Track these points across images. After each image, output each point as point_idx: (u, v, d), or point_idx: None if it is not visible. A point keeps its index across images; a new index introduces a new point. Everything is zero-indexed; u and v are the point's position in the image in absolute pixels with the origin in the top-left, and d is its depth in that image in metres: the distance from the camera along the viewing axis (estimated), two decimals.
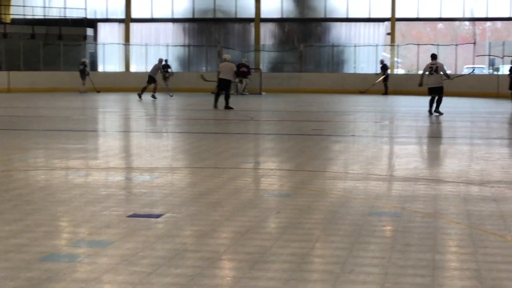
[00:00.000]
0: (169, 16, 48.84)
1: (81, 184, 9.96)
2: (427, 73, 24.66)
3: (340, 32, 47.51)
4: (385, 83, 39.98)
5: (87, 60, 41.36)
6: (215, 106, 26.00)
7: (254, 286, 5.23)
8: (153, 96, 34.06)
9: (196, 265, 5.77)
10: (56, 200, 8.55)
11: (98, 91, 39.77)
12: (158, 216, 7.60)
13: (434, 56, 25.25)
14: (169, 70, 40.17)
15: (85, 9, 49.25)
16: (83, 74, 39.71)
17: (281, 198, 8.89)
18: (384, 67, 40.45)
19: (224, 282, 5.42)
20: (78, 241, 6.58)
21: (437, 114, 23.97)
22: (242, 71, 39.69)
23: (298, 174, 10.93)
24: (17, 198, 8.59)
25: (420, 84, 24.87)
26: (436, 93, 24.30)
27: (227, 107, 25.77)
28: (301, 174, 10.93)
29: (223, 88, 26.12)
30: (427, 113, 24.13)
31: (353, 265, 5.79)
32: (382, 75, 40.17)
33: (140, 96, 33.05)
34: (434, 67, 24.46)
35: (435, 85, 24.35)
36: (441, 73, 24.50)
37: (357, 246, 6.41)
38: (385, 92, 39.61)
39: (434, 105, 24.29)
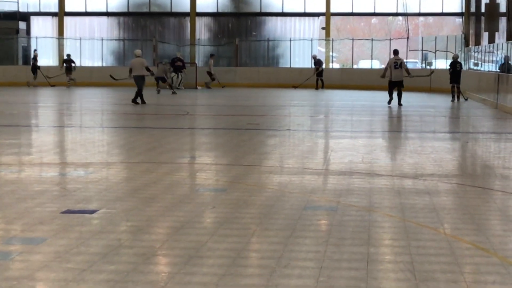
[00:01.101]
0: (103, 9, 48.37)
1: (13, 180, 9.81)
2: (389, 67, 26.21)
3: (275, 27, 47.60)
4: (320, 78, 40.01)
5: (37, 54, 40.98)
6: (138, 102, 25.55)
7: (189, 282, 5.22)
8: (173, 92, 34.01)
9: (131, 261, 5.73)
10: None
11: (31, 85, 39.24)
12: (92, 212, 7.53)
13: (396, 52, 26.97)
14: (73, 64, 40.05)
15: (17, 2, 48.49)
16: (35, 68, 39.52)
17: (217, 193, 8.88)
18: (317, 62, 40.48)
19: (159, 277, 5.39)
20: (10, 238, 6.48)
21: (400, 105, 25.62)
22: (177, 65, 39.51)
23: (234, 169, 10.94)
24: None
25: (383, 76, 26.50)
26: (397, 86, 25.95)
27: (135, 101, 25.41)
28: (237, 168, 10.94)
29: (137, 83, 25.56)
30: (381, 105, 25.70)
31: (289, 259, 5.81)
32: (316, 70, 40.23)
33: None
34: (399, 62, 26.13)
35: (398, 79, 25.98)
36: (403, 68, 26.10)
37: (293, 240, 6.43)
38: (322, 87, 39.67)
39: (395, 97, 25.87)
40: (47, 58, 47.49)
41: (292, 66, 44.86)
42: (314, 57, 41.17)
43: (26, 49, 47.59)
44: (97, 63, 46.79)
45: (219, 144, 14.57)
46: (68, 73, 39.32)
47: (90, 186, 9.18)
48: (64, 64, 39.64)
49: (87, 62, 47.03)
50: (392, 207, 7.99)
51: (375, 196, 8.69)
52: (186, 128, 18.26)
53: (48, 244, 6.22)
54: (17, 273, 5.41)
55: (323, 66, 41.15)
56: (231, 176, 10.20)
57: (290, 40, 45.68)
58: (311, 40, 46.17)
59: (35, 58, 40.17)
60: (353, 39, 46.31)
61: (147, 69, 25.82)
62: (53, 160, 11.93)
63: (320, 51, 47.04)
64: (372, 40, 45.57)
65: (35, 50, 41.85)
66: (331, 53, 47.37)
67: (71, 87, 38.45)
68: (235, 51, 45.42)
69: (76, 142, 14.93)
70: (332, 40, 46.84)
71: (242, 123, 18.85)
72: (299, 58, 46.16)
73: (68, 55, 40.45)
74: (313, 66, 40.79)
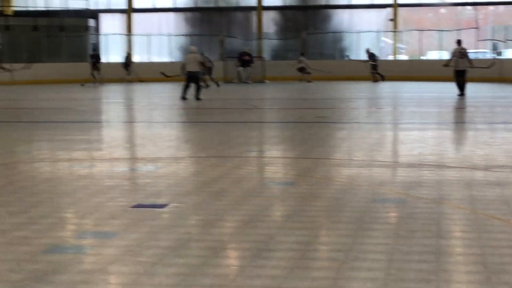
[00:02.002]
0: (171, 5, 48.77)
1: (85, 175, 9.96)
2: (455, 57, 26.50)
3: (342, 19, 47.40)
4: (374, 72, 39.21)
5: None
6: (184, 97, 25.35)
7: (259, 275, 5.24)
8: (217, 84, 34.34)
9: (201, 254, 5.77)
10: (60, 192, 8.56)
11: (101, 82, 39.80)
12: (162, 206, 7.61)
13: (459, 42, 27.13)
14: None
15: (87, 0, 49.20)
16: (127, 65, 40.25)
17: (285, 186, 8.89)
18: (371, 56, 39.73)
19: (229, 271, 5.43)
20: (83, 232, 6.59)
21: (463, 95, 25.85)
22: (245, 59, 39.65)
23: (302, 162, 10.93)
24: (21, 190, 8.60)
25: (446, 65, 26.85)
26: (462, 76, 26.12)
27: (198, 98, 25.13)
28: (305, 161, 10.93)
29: (191, 80, 25.42)
30: (456, 97, 25.56)
31: (358, 252, 5.80)
32: (371, 63, 39.42)
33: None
34: (464, 52, 26.40)
35: (463, 68, 26.19)
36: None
37: (361, 233, 6.41)
38: (375, 80, 38.96)
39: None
40: (116, 55, 48.05)
41: (359, 58, 44.52)
42: (367, 51, 40.40)
43: (96, 46, 48.22)
44: (165, 59, 47.17)
45: (287, 137, 14.58)
46: (93, 69, 38.92)
47: (159, 180, 9.27)
48: (92, 61, 39.25)
49: (155, 58, 47.45)
50: (462, 199, 7.91)
51: (445, 188, 8.61)
52: (254, 122, 18.30)
53: (120, 238, 6.31)
54: (89, 266, 5.50)
55: (378, 58, 40.22)
56: (299, 169, 10.20)
57: (357, 33, 45.42)
58: (378, 32, 45.86)
59: (128, 57, 40.90)
60: (421, 30, 45.81)
61: (202, 64, 25.81)
62: (123, 155, 12.09)
63: (387, 42, 46.66)
64: (440, 31, 45.02)
65: (128, 53, 42.27)
66: (398, 45, 46.96)
67: (100, 84, 38.31)
68: (301, 44, 45.33)
69: (145, 137, 15.09)
70: (400, 31, 46.43)
71: (310, 116, 18.82)
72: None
73: (94, 50, 40.31)
74: (367, 59, 40.07)
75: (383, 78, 39.12)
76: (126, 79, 40.06)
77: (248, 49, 41.01)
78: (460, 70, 26.19)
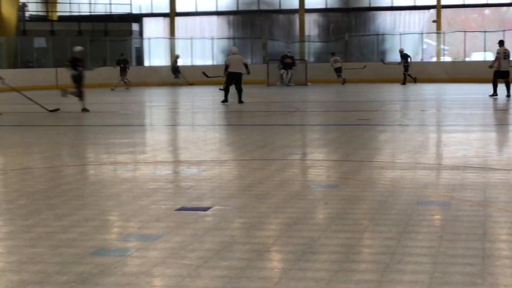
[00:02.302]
0: (213, 9, 48.96)
1: (129, 178, 10.04)
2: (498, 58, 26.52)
3: (385, 21, 47.22)
4: (406, 73, 38.67)
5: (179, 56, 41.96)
6: (226, 100, 25.15)
7: (303, 277, 5.24)
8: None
9: (245, 257, 5.79)
10: (105, 195, 8.64)
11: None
12: (206, 209, 7.64)
13: (502, 42, 27.13)
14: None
15: (130, 4, 49.57)
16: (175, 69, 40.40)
17: (329, 189, 8.89)
18: (404, 56, 39.23)
19: (273, 273, 5.44)
20: (127, 235, 6.64)
21: (508, 96, 25.62)
22: (287, 62, 39.61)
23: (345, 165, 10.91)
24: (67, 193, 8.70)
25: (491, 66, 26.59)
26: (505, 77, 26.03)
27: (240, 101, 24.93)
28: (348, 164, 10.91)
29: (233, 81, 25.16)
30: (488, 98, 25.44)
31: (402, 255, 5.78)
32: (404, 64, 38.90)
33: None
34: (508, 53, 26.42)
35: (506, 69, 26.06)
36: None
37: (406, 236, 6.38)
38: (403, 82, 38.43)
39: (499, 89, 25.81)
40: (159, 58, 48.36)
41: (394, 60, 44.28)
42: (401, 51, 39.89)
43: (139, 50, 48.54)
44: (208, 62, 47.34)
45: (329, 140, 14.56)
46: (122, 74, 38.66)
47: (203, 183, 9.31)
48: (120, 65, 38.79)
49: (198, 61, 47.65)
50: (508, 202, 7.84)
51: (490, 190, 8.54)
52: (296, 124, 18.30)
53: (164, 240, 6.35)
54: (135, 269, 5.54)
55: (409, 60, 39.56)
56: (343, 172, 10.18)
57: (400, 34, 45.18)
58: (422, 33, 45.60)
59: (175, 60, 41.09)
60: (465, 32, 45.44)
61: (246, 66, 25.65)
62: (167, 158, 12.16)
63: (430, 44, 46.37)
64: (485, 32, 44.61)
65: (177, 56, 42.43)
66: (442, 46, 46.64)
67: (129, 88, 38.29)
68: (344, 46, 45.21)
69: (188, 140, 15.16)
70: (443, 33, 46.11)
71: (353, 119, 18.77)
72: (408, 52, 45.61)
73: (122, 54, 40.05)
74: (401, 60, 39.52)
75: (415, 80, 38.67)
76: (175, 83, 40.20)
77: (289, 51, 40.97)
78: (503, 71, 26.03)
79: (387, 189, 8.74)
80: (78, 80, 22.65)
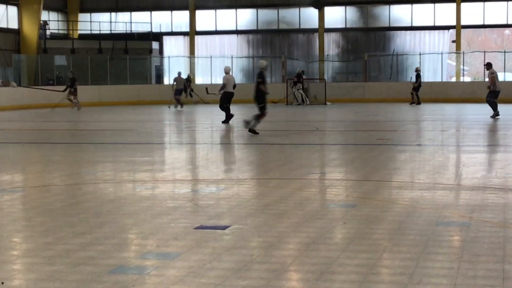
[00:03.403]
0: (233, 28, 49.13)
1: (148, 197, 10.06)
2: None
3: (404, 41, 47.22)
4: (416, 93, 38.24)
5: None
6: (228, 120, 25.22)
7: None
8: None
9: (263, 276, 5.78)
10: (124, 213, 8.65)
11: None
12: (224, 227, 7.64)
13: (491, 65, 27.35)
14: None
15: (151, 23, 49.84)
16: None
17: (347, 208, 8.86)
18: (418, 76, 38.82)
19: None
20: (146, 253, 6.65)
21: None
22: (294, 81, 39.51)
23: (364, 184, 10.88)
24: (86, 211, 8.72)
25: (489, 87, 26.59)
26: (496, 97, 26.38)
27: (227, 120, 25.11)
28: (367, 184, 10.88)
29: (228, 101, 25.33)
30: (494, 118, 25.66)
31: (421, 276, 5.75)
32: (415, 84, 38.57)
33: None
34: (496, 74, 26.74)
35: (500, 89, 26.54)
36: None
37: (425, 257, 6.35)
38: (413, 102, 37.97)
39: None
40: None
41: (422, 80, 44.20)
42: (417, 70, 39.39)
43: (159, 68, 48.74)
44: None
45: (348, 159, 14.53)
46: (71, 93, 36.23)
47: (222, 202, 9.32)
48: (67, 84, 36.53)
49: (218, 80, 47.74)
50: None
51: (510, 211, 8.49)
52: (315, 144, 18.29)
53: (182, 259, 6.35)
54: (153, 287, 5.55)
55: (420, 80, 39.06)
56: (361, 191, 10.15)
57: (420, 54, 45.14)
58: (441, 53, 45.54)
59: (188, 79, 41.09)
60: (484, 52, 45.35)
61: (234, 86, 25.56)
62: (186, 176, 12.17)
63: (450, 64, 46.29)
64: (504, 52, 44.51)
65: (188, 75, 42.41)
66: (462, 66, 46.55)
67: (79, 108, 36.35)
68: (363, 66, 45.22)
69: (207, 159, 15.18)
70: (463, 53, 46.04)
71: (372, 139, 18.74)
72: (428, 72, 45.57)
73: (72, 72, 37.84)
74: (413, 80, 39.08)
75: (418, 102, 38.08)
76: (187, 101, 40.02)
77: (301, 70, 40.84)
78: (498, 91, 26.41)
79: (406, 209, 8.71)
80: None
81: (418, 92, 38.29)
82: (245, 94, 40.27)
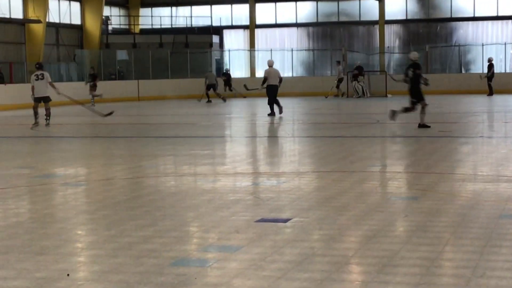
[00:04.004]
0: (293, 21, 49.05)
1: (209, 190, 10.12)
2: None
3: (466, 32, 46.63)
4: (491, 83, 37.64)
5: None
6: (273, 113, 25.03)
7: None
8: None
9: (325, 269, 5.78)
10: (185, 206, 8.72)
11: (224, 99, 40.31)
12: (285, 220, 7.65)
13: None
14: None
15: (211, 17, 50.02)
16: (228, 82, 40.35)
17: (409, 201, 8.81)
18: (491, 66, 38.16)
19: (353, 286, 5.41)
20: (207, 246, 6.69)
21: None
22: (354, 74, 39.27)
23: (425, 177, 10.80)
24: (148, 204, 8.81)
25: None
26: None
27: (281, 111, 24.96)
28: (428, 176, 10.79)
29: (273, 93, 25.14)
30: None
31: (484, 269, 5.69)
32: (486, 75, 37.98)
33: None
34: None
35: None
36: None
37: (488, 250, 6.28)
38: (490, 93, 37.44)
39: None
40: (239, 70, 48.61)
41: (485, 71, 43.60)
42: (489, 60, 38.71)
43: (219, 62, 48.91)
44: (287, 74, 47.41)
45: (410, 152, 14.43)
46: (92, 89, 35.71)
47: (282, 195, 9.33)
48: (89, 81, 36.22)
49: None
50: None
51: None
52: (376, 136, 18.19)
53: (244, 252, 6.38)
54: (215, 279, 5.58)
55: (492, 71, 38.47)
56: (423, 184, 10.07)
57: (482, 45, 44.54)
58: (505, 44, 44.87)
59: (226, 73, 41.09)
60: None
61: (280, 80, 25.44)
62: (246, 170, 12.20)
63: None
64: None
65: (226, 69, 42.29)
66: None
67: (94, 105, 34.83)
68: (425, 58, 44.77)
69: (268, 152, 15.20)
70: None
71: (434, 131, 18.55)
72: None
73: (92, 68, 37.43)
74: (486, 71, 38.46)
75: (491, 93, 37.52)
76: (224, 95, 39.55)
77: (356, 63, 40.56)
78: None
79: (469, 202, 8.62)
80: None
81: (491, 82, 37.72)
82: (305, 87, 40.42)
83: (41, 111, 21.97)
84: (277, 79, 25.33)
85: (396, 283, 5.37)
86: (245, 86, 30.92)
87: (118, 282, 5.53)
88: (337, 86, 39.10)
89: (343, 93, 39.19)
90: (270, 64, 26.24)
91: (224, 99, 37.20)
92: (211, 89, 37.19)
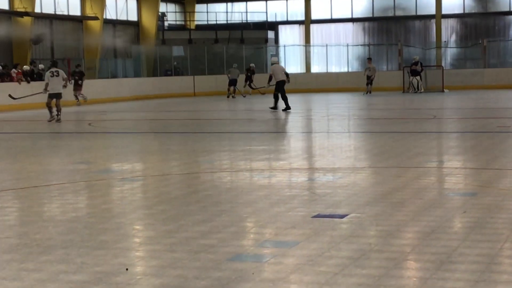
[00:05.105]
0: (348, 16, 48.87)
1: (265, 185, 10.12)
2: None
3: None
4: None
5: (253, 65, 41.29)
6: (276, 107, 25.78)
7: (442, 287, 5.16)
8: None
9: (382, 265, 5.75)
10: (242, 201, 8.74)
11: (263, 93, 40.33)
12: (342, 216, 7.62)
13: None
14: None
15: (266, 12, 50.05)
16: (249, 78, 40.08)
17: (467, 197, 8.71)
18: None
19: (411, 282, 5.37)
20: (264, 241, 6.70)
21: None
22: (413, 69, 38.87)
23: (484, 173, 10.67)
24: (205, 200, 8.84)
25: None
26: None
27: (288, 107, 25.55)
28: (487, 172, 10.67)
29: (279, 89, 25.81)
30: None
31: None
32: None
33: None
34: None
35: None
36: None
37: None
38: None
39: None
40: (295, 66, 48.56)
41: None
42: None
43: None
44: (343, 69, 47.27)
45: (468, 147, 14.28)
46: (76, 89, 33.65)
47: (339, 190, 9.30)
48: (75, 78, 33.98)
49: (333, 68, 47.65)
50: None
51: None
52: (433, 132, 18.04)
53: (301, 247, 6.37)
54: (272, 275, 5.58)
55: None
56: (482, 180, 9.96)
57: None
58: None
59: (249, 69, 40.78)
60: None
61: (287, 75, 26.21)
62: (302, 165, 12.19)
63: None
64: None
65: (249, 66, 41.91)
66: None
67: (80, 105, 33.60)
68: (482, 52, 44.25)
69: (324, 148, 15.16)
70: None
71: (492, 126, 18.35)
72: None
73: (78, 66, 35.37)
74: None
75: None
76: (244, 92, 39.36)
77: (415, 58, 40.17)
78: None
79: None
80: None
81: None
82: (361, 82, 40.15)
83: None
84: (283, 75, 26.07)
85: (455, 279, 5.32)
86: (250, 85, 31.26)
87: (176, 277, 5.56)
88: (368, 84, 38.58)
89: (369, 91, 38.64)
90: (274, 61, 27.14)
91: (244, 95, 37.86)
92: (232, 85, 38.11)
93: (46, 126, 21.93)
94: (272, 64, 26.79)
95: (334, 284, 5.30)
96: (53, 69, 23.07)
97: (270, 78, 26.27)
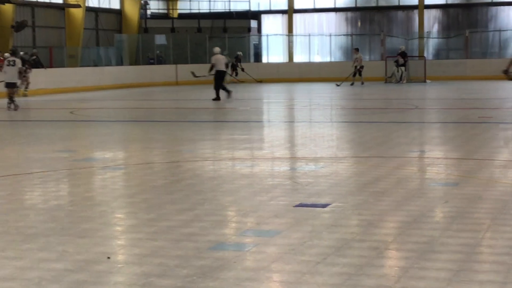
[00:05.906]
0: (331, 5, 48.83)
1: (248, 174, 10.13)
2: None
3: (508, 16, 46.10)
4: None
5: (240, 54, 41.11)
6: (218, 98, 26.05)
7: (423, 276, 5.18)
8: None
9: (364, 254, 5.76)
10: (224, 190, 8.74)
11: (260, 81, 40.28)
12: (324, 206, 7.63)
13: None
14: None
15: (249, 1, 49.93)
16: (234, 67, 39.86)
17: (449, 187, 8.74)
18: None
19: (393, 272, 5.39)
20: (246, 230, 6.70)
21: None
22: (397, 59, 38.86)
23: (465, 163, 10.72)
24: (187, 188, 8.83)
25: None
26: None
27: (218, 97, 25.96)
28: (468, 162, 10.71)
29: (220, 78, 26.42)
30: None
31: None
32: None
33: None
34: None
35: None
36: None
37: None
38: None
39: None
40: (277, 55, 48.51)
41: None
42: None
43: (257, 47, 48.84)
44: (326, 59, 47.27)
45: (449, 138, 14.33)
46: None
47: (321, 180, 9.30)
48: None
49: (316, 58, 47.63)
50: None
51: None
52: (415, 122, 18.08)
53: (283, 236, 6.38)
54: (253, 264, 5.59)
55: None
56: (463, 170, 10.00)
57: None
58: None
59: (237, 57, 40.60)
60: None
61: (227, 65, 27.17)
62: (285, 154, 12.20)
63: None
64: None
65: (237, 54, 41.61)
66: None
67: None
68: (465, 43, 44.36)
69: (306, 137, 15.17)
70: None
71: (473, 117, 18.41)
72: None
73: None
74: None
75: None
76: (229, 81, 39.25)
77: (401, 48, 40.11)
78: None
79: (510, 188, 8.55)
80: None
81: None
82: (343, 72, 40.17)
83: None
84: (223, 65, 26.88)
85: (437, 269, 5.34)
86: (192, 73, 31.26)
87: (158, 265, 5.56)
88: (354, 74, 38.19)
89: (362, 82, 38.45)
90: (217, 51, 27.48)
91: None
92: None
93: (25, 114, 21.82)
94: (214, 54, 27.19)
95: (316, 273, 5.31)
96: (10, 58, 22.67)
97: (211, 68, 26.70)
